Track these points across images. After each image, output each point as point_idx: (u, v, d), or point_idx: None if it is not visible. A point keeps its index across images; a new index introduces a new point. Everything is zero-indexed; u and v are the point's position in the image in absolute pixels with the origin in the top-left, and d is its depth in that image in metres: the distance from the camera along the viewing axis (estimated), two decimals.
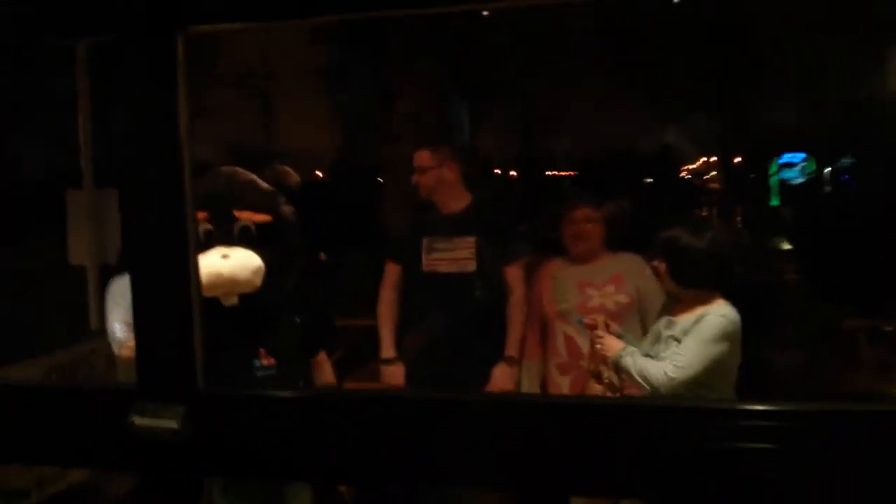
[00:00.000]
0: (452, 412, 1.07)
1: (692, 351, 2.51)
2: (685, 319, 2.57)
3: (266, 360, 2.34)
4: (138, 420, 1.10)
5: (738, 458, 0.96)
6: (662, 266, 2.61)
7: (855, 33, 7.67)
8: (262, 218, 2.31)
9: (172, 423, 1.09)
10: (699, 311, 2.55)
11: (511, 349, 3.16)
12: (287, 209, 2.42)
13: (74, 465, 2.97)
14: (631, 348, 2.62)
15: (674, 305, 2.68)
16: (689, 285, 2.59)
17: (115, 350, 2.44)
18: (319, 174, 9.96)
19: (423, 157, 3.27)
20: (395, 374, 3.29)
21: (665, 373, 2.49)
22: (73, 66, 3.91)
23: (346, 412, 1.10)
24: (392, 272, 3.36)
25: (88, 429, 1.16)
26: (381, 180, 9.14)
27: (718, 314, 2.53)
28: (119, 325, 2.54)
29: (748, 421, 0.97)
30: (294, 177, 3.48)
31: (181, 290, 1.11)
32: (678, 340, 2.54)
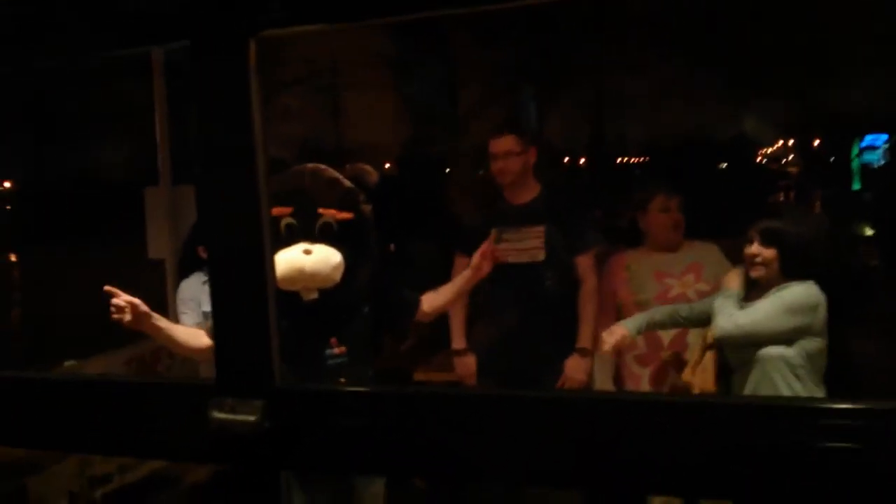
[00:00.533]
0: (524, 408, 1.07)
1: (767, 308, 2.53)
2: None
3: (338, 349, 2.38)
4: (217, 414, 1.12)
5: (822, 457, 0.93)
6: (769, 253, 2.55)
7: None
8: (345, 215, 2.34)
9: (251, 418, 1.11)
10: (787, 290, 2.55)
11: (583, 340, 3.14)
12: (367, 207, 2.46)
13: (154, 458, 3.07)
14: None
15: (750, 291, 2.65)
16: (796, 276, 2.56)
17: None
18: (389, 167, 10.06)
19: (507, 141, 3.21)
20: (466, 365, 3.30)
21: (734, 319, 2.54)
22: (151, 71, 4.04)
23: (418, 407, 1.10)
24: (461, 265, 3.32)
25: (168, 422, 1.19)
26: (449, 171, 9.15)
27: (803, 286, 2.53)
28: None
29: (830, 419, 0.94)
30: (373, 175, 3.50)
31: (258, 286, 1.13)
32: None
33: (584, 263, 3.21)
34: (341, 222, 2.33)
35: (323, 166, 2.45)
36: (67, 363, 3.58)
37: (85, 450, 2.56)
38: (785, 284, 2.54)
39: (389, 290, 2.59)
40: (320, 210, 2.31)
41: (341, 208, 2.34)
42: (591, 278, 3.19)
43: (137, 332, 2.31)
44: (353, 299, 2.44)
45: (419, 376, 4.48)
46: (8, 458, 3.14)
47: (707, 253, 3.07)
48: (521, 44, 9.07)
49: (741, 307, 2.60)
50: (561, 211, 3.23)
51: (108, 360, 3.90)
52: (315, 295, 2.30)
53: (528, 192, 3.25)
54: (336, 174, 2.45)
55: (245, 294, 1.14)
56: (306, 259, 2.23)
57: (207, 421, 1.13)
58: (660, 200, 3.08)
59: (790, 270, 2.56)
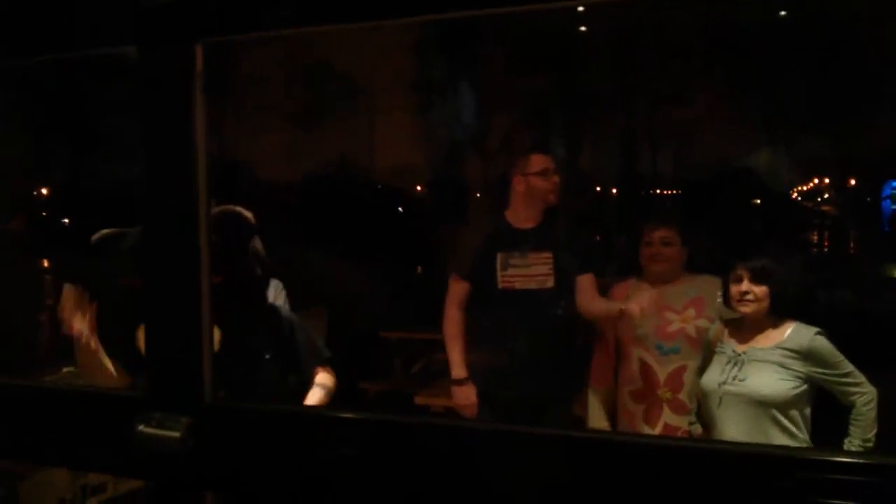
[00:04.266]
0: (467, 442, 1.02)
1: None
2: (763, 345, 2.55)
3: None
4: (143, 428, 1.09)
5: None
6: (759, 290, 2.52)
7: None
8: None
9: (175, 434, 1.08)
10: (786, 333, 2.52)
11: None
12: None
13: (83, 469, 3.01)
14: None
15: (737, 330, 2.63)
16: (787, 315, 2.55)
17: None
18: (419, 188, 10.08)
19: (543, 159, 3.17)
20: (466, 395, 3.21)
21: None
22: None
23: (347, 431, 1.06)
24: (458, 289, 3.25)
25: (97, 433, 1.16)
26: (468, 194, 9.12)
27: (817, 333, 2.50)
28: None
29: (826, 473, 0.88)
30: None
31: (191, 301, 1.10)
32: (774, 363, 2.50)
33: (585, 282, 3.15)
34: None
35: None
36: (66, 369, 3.58)
37: (17, 457, 2.51)
38: (800, 336, 2.52)
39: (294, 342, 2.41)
40: None
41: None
42: (590, 293, 3.14)
43: None
44: (256, 346, 2.30)
45: (420, 401, 4.44)
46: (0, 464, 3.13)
47: (710, 288, 2.98)
48: (550, 72, 9.07)
49: (735, 354, 2.58)
50: (566, 237, 3.19)
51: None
52: None
53: (533, 218, 3.19)
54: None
55: (178, 308, 1.11)
56: None
57: (134, 435, 1.10)
58: (651, 234, 3.03)
59: (781, 309, 2.52)
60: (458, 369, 3.23)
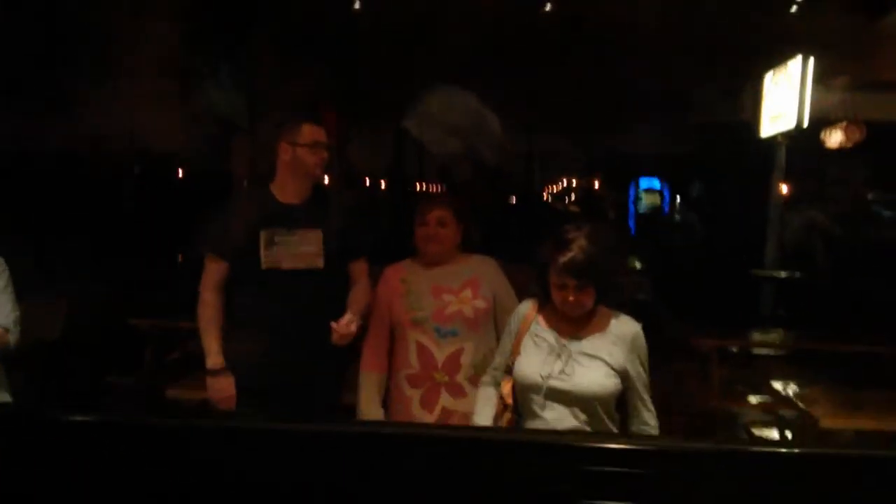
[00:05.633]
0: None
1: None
2: (595, 335, 2.41)
3: None
4: None
5: None
6: (586, 295, 2.37)
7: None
8: None
9: None
10: (612, 325, 2.42)
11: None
12: None
13: None
14: None
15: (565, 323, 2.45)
16: (607, 303, 2.43)
17: None
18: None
19: (314, 130, 2.93)
20: (222, 387, 2.93)
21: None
22: None
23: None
24: (214, 270, 2.97)
25: None
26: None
27: (637, 327, 2.44)
28: None
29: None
30: None
31: None
32: (599, 358, 2.37)
33: (358, 268, 3.01)
34: None
35: None
36: None
37: None
38: (624, 329, 2.42)
39: None
40: None
41: None
42: (364, 281, 2.98)
43: None
44: None
45: (172, 393, 4.08)
46: None
47: (486, 268, 2.96)
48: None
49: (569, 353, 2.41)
50: (337, 213, 2.99)
51: None
52: None
53: (302, 191, 2.97)
54: None
55: None
56: None
57: None
58: (425, 214, 2.95)
59: (606, 300, 2.44)
60: (213, 358, 2.94)
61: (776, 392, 4.61)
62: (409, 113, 5.12)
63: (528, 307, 2.56)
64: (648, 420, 2.40)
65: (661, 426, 2.43)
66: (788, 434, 4.59)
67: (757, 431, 4.85)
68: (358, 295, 2.98)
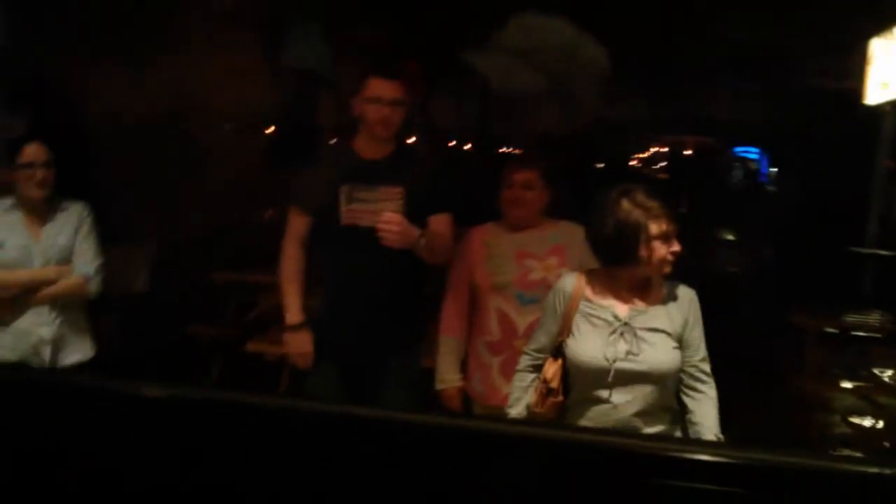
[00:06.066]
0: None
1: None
2: (653, 307, 2.26)
3: None
4: None
5: None
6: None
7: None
8: None
9: None
10: (666, 292, 2.27)
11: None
12: None
13: None
14: None
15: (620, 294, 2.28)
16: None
17: None
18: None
19: (381, 85, 2.79)
20: (300, 343, 2.92)
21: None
22: None
23: None
24: (297, 224, 2.93)
25: None
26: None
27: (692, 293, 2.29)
28: None
29: None
30: None
31: None
32: (662, 331, 2.22)
33: (441, 220, 2.85)
34: None
35: None
36: None
37: None
38: (681, 294, 2.29)
39: None
40: None
41: None
42: (447, 234, 2.85)
43: None
44: None
45: (252, 348, 4.12)
46: None
47: (573, 235, 2.79)
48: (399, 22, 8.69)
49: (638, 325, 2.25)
50: (420, 171, 2.88)
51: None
52: None
53: (385, 148, 2.88)
54: None
55: None
56: None
57: None
58: (512, 176, 2.83)
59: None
60: (293, 314, 2.92)
61: (875, 377, 4.36)
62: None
63: (572, 283, 2.34)
64: (701, 387, 2.27)
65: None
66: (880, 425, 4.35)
67: (857, 421, 4.58)
68: (438, 229, 2.85)
